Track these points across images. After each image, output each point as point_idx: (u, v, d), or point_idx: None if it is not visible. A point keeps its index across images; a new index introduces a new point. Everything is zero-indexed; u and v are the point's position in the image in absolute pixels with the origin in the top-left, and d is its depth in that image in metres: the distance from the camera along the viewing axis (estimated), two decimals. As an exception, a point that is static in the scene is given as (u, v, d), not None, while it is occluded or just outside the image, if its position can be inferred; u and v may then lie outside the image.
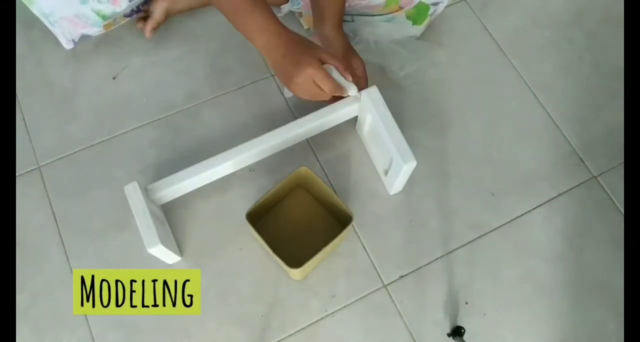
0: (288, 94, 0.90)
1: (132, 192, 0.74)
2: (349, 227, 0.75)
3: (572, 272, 0.82)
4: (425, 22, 0.94)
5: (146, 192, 0.75)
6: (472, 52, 0.98)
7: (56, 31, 0.89)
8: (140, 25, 0.95)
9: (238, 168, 0.81)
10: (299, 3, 0.95)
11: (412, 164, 0.74)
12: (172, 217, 0.84)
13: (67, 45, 0.91)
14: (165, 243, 0.73)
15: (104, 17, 0.89)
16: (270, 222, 0.81)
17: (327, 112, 0.80)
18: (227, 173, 0.80)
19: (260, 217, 0.79)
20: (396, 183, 0.80)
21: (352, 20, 0.95)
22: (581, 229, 0.84)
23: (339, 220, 0.80)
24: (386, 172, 0.82)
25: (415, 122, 0.91)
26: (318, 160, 0.88)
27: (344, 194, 0.85)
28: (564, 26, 1.01)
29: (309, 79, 0.69)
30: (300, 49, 0.70)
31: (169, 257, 0.77)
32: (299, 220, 0.82)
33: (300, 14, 0.97)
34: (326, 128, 0.83)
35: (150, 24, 0.93)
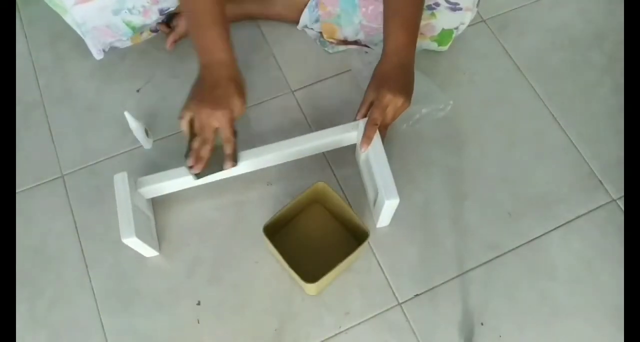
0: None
1: (119, 181, 0.75)
2: (365, 244, 0.75)
3: (591, 296, 0.80)
4: (450, 43, 0.95)
5: (135, 185, 0.77)
6: (491, 72, 0.99)
7: (87, 41, 0.92)
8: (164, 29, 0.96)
9: (227, 176, 0.80)
10: (316, 16, 0.95)
11: (395, 201, 0.74)
12: (188, 228, 0.85)
13: (98, 56, 0.93)
14: (141, 236, 0.74)
15: (134, 29, 0.92)
16: (287, 237, 0.81)
17: (326, 134, 0.81)
18: (215, 179, 0.80)
19: (276, 231, 0.80)
20: (381, 217, 0.80)
21: (367, 52, 0.96)
22: (600, 253, 0.83)
23: (354, 236, 0.80)
24: (374, 203, 0.82)
25: (432, 141, 0.92)
26: (335, 176, 0.89)
27: (360, 210, 0.85)
28: (583, 48, 1.01)
29: (212, 120, 0.72)
30: (225, 93, 0.73)
31: (145, 250, 0.78)
32: (315, 235, 0.82)
33: (321, 33, 0.98)
34: (325, 150, 0.84)
35: (172, 37, 0.95)
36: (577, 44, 1.02)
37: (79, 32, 0.91)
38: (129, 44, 0.96)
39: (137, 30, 0.93)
